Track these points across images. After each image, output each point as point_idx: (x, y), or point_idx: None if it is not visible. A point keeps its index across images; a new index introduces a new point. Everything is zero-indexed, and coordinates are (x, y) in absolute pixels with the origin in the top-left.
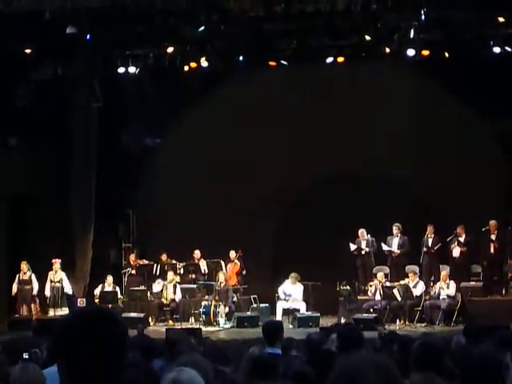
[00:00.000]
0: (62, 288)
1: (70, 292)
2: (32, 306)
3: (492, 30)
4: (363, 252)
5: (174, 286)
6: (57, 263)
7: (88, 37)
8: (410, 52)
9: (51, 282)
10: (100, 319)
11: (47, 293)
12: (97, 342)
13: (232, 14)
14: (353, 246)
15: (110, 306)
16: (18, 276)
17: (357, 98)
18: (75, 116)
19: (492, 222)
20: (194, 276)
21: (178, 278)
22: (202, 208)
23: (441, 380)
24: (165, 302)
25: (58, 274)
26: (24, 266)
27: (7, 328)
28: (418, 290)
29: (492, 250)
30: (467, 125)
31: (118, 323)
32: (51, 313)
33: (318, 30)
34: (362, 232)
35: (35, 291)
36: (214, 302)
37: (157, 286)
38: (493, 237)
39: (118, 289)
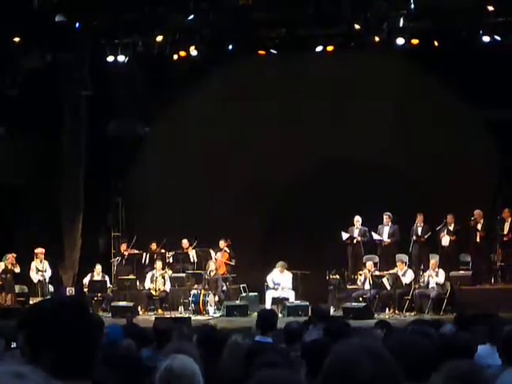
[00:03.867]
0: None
1: (48, 280)
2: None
3: (481, 19)
4: (355, 241)
5: (163, 277)
6: (42, 253)
7: (77, 25)
8: (400, 41)
9: (38, 271)
10: (71, 308)
11: (35, 281)
12: (66, 330)
13: (221, 3)
14: (345, 235)
15: (99, 294)
16: (4, 265)
17: (347, 86)
18: (64, 105)
19: (477, 212)
20: (183, 265)
21: (170, 272)
22: (191, 197)
23: None
24: (154, 293)
25: (43, 264)
26: (12, 257)
27: None
28: (407, 278)
29: (478, 239)
30: (457, 113)
31: (88, 312)
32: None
33: (307, 19)
34: (357, 220)
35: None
36: (203, 291)
37: (148, 282)
38: (478, 226)
39: (107, 278)
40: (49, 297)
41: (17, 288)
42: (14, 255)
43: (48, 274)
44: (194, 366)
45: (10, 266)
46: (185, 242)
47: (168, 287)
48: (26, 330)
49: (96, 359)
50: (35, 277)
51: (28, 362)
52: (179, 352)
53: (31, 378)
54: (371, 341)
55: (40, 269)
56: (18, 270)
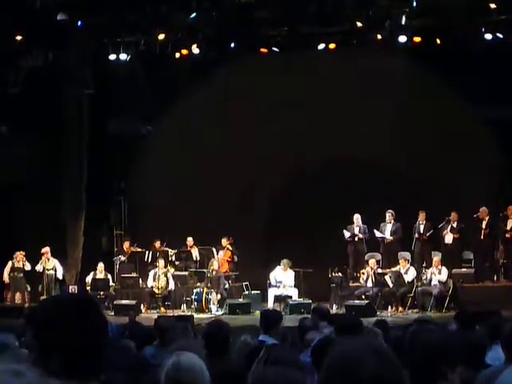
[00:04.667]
0: (56, 275)
1: (61, 277)
2: (25, 293)
3: (483, 17)
4: (356, 238)
5: (166, 275)
6: (48, 252)
7: (79, 24)
8: (402, 39)
9: (45, 269)
10: (79, 305)
11: (40, 270)
12: (78, 328)
13: (223, 1)
14: (347, 234)
15: (101, 293)
16: (11, 263)
17: (349, 84)
18: (66, 103)
19: (482, 209)
20: (185, 263)
21: (172, 270)
22: (194, 195)
23: None
24: (157, 291)
25: (50, 262)
26: (21, 256)
27: None
28: (410, 275)
29: (482, 237)
30: (460, 111)
31: (98, 309)
32: None
33: (309, 17)
34: (357, 217)
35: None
36: (205, 289)
37: (150, 281)
38: (483, 223)
39: (109, 276)
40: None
41: None
42: (23, 253)
43: (60, 271)
44: (201, 362)
45: (17, 264)
46: (190, 240)
47: (171, 285)
48: (34, 328)
49: (104, 359)
50: (40, 268)
51: (36, 358)
52: (186, 349)
53: (28, 375)
54: (374, 339)
55: (47, 267)
56: (28, 267)
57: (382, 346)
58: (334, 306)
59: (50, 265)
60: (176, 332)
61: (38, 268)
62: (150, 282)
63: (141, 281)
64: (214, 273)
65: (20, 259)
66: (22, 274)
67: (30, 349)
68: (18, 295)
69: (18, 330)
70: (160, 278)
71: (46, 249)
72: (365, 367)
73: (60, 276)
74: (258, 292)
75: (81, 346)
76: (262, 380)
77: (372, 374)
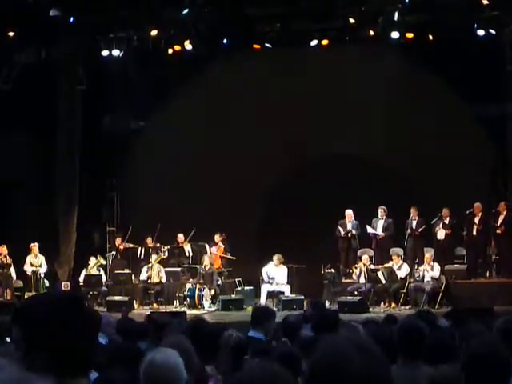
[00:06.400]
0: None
1: (43, 275)
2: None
3: (476, 13)
4: (349, 235)
5: (159, 267)
6: (35, 247)
7: (71, 19)
8: (395, 35)
9: (32, 265)
10: (68, 304)
11: (29, 273)
12: (66, 326)
13: None
14: (341, 230)
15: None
16: None
17: (341, 81)
18: (59, 99)
19: (476, 205)
20: (178, 259)
21: (161, 254)
22: (186, 191)
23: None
24: (150, 281)
25: (38, 258)
26: (4, 249)
27: None
28: (403, 272)
29: (475, 233)
30: (451, 108)
31: (87, 307)
32: None
33: (301, 13)
34: (349, 214)
35: (14, 275)
36: (198, 285)
37: (144, 273)
38: (476, 219)
39: (102, 272)
40: (44, 291)
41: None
42: (3, 246)
43: (43, 268)
44: (177, 359)
45: (6, 261)
46: (180, 237)
47: (163, 276)
48: (21, 325)
49: (93, 356)
50: (29, 269)
51: (23, 356)
52: (175, 345)
53: (7, 370)
54: (358, 335)
55: (34, 263)
56: (8, 261)
57: (367, 341)
58: (327, 303)
59: (38, 261)
60: (171, 328)
61: (27, 268)
62: (144, 275)
63: (133, 277)
64: (206, 268)
65: (5, 253)
66: (10, 271)
67: (16, 346)
68: (7, 292)
69: (8, 327)
70: (153, 267)
71: (34, 244)
72: (352, 363)
73: (42, 274)
74: (251, 288)
75: (69, 344)
76: (246, 373)
77: (359, 370)
